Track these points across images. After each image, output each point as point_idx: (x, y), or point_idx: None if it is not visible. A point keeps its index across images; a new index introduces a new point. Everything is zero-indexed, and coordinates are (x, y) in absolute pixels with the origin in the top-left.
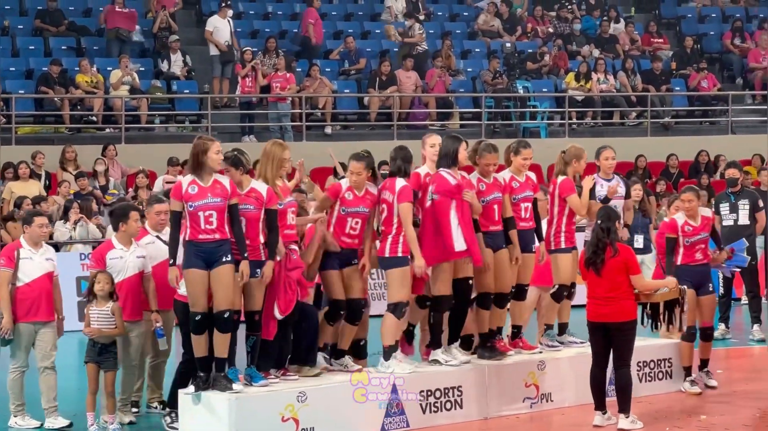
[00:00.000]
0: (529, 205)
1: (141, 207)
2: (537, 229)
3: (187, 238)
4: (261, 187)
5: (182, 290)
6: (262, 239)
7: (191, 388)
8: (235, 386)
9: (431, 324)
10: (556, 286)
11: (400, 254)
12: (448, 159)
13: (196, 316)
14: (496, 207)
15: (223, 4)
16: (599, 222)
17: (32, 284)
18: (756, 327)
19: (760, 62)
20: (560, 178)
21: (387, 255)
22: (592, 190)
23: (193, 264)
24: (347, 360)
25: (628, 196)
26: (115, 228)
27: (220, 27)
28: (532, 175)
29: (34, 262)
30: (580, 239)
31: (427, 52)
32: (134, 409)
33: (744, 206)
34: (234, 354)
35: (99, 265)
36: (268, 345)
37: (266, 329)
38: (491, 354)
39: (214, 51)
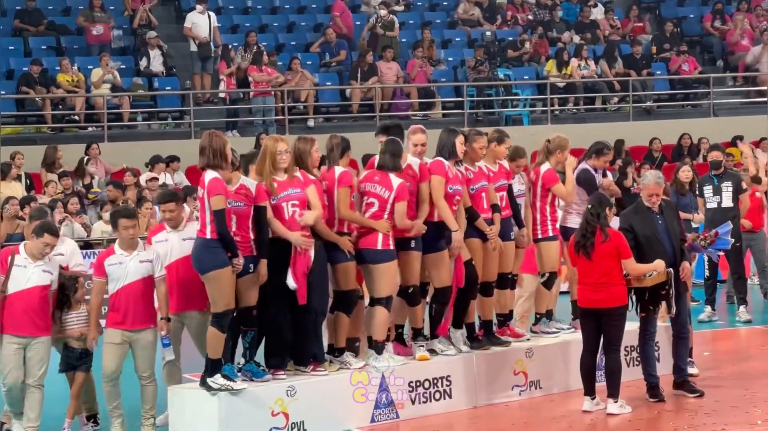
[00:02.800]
0: (504, 193)
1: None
2: (516, 216)
3: (209, 236)
4: (250, 183)
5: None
6: (252, 235)
7: (213, 382)
8: (236, 384)
9: (432, 316)
10: (546, 274)
11: (391, 247)
12: (445, 152)
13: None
14: (484, 195)
15: None
16: (590, 206)
17: (20, 295)
18: (742, 308)
19: (737, 41)
20: (543, 168)
21: (379, 247)
22: (592, 182)
23: (228, 263)
24: (348, 357)
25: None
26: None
27: (198, 22)
28: (505, 163)
29: (27, 271)
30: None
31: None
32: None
33: (727, 188)
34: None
35: (98, 274)
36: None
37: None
38: (478, 343)
39: (193, 47)
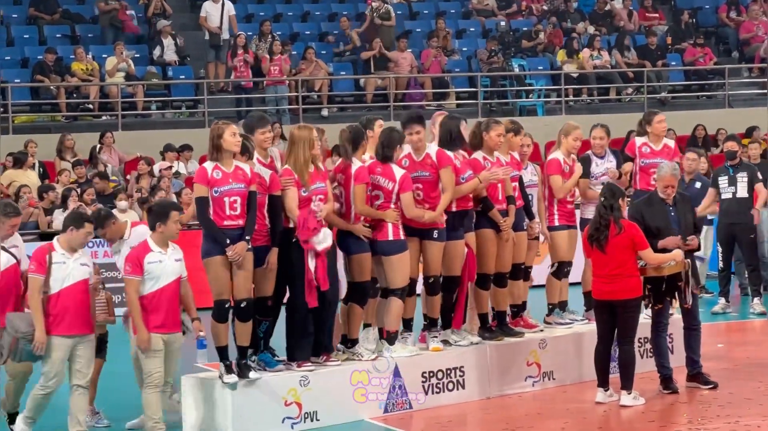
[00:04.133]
0: (516, 184)
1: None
2: (526, 207)
3: None
4: (264, 172)
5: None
6: (269, 224)
7: (230, 376)
8: (252, 374)
9: (443, 306)
10: (555, 264)
11: (402, 237)
12: (458, 141)
13: (227, 304)
14: (500, 186)
15: None
16: (602, 199)
17: (64, 292)
18: (756, 300)
19: (752, 32)
20: (550, 156)
21: (390, 238)
22: (587, 168)
23: (218, 252)
24: (360, 348)
25: (619, 166)
26: (152, 228)
27: (211, 12)
28: (516, 155)
29: (67, 267)
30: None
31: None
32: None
33: (743, 179)
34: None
35: (136, 272)
36: (301, 331)
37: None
38: (491, 334)
39: (208, 36)
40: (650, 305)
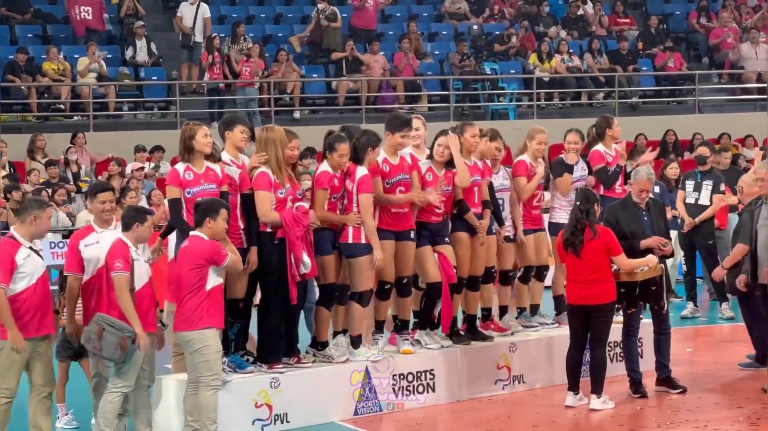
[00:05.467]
0: (477, 188)
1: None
2: (496, 212)
3: None
4: (234, 171)
5: None
6: (241, 224)
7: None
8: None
9: (422, 308)
10: (522, 269)
11: (363, 241)
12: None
13: None
14: (476, 189)
15: None
16: (578, 203)
17: (143, 290)
18: (725, 305)
19: (721, 38)
20: (516, 159)
21: (350, 241)
22: (562, 168)
23: None
24: (331, 350)
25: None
26: (200, 224)
27: (185, 13)
28: (479, 161)
29: (141, 264)
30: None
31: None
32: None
33: (707, 186)
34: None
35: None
36: (276, 334)
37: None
38: (459, 338)
39: (180, 37)
40: (623, 309)
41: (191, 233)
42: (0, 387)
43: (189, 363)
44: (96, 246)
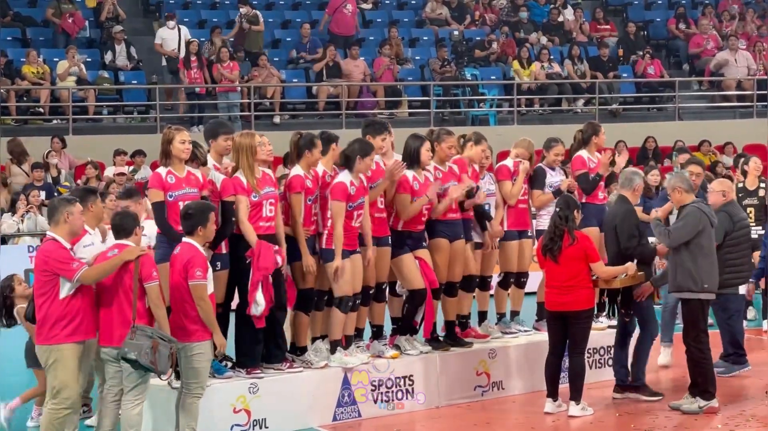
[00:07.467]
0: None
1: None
2: (479, 218)
3: None
4: (218, 177)
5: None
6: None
7: None
8: None
9: (404, 314)
10: (502, 274)
11: (332, 247)
12: (410, 159)
13: None
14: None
15: (167, 14)
16: (557, 209)
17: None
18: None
19: (702, 46)
20: (499, 164)
21: (324, 246)
22: (541, 179)
23: None
24: (310, 355)
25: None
26: (192, 233)
27: (167, 37)
28: (453, 166)
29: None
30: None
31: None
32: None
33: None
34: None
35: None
36: (254, 339)
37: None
38: (438, 344)
39: (164, 62)
40: (610, 315)
41: (183, 240)
42: (60, 397)
43: (182, 368)
44: (93, 248)
